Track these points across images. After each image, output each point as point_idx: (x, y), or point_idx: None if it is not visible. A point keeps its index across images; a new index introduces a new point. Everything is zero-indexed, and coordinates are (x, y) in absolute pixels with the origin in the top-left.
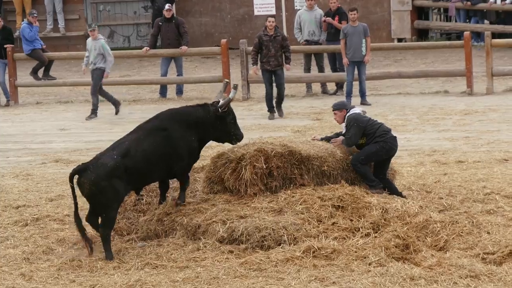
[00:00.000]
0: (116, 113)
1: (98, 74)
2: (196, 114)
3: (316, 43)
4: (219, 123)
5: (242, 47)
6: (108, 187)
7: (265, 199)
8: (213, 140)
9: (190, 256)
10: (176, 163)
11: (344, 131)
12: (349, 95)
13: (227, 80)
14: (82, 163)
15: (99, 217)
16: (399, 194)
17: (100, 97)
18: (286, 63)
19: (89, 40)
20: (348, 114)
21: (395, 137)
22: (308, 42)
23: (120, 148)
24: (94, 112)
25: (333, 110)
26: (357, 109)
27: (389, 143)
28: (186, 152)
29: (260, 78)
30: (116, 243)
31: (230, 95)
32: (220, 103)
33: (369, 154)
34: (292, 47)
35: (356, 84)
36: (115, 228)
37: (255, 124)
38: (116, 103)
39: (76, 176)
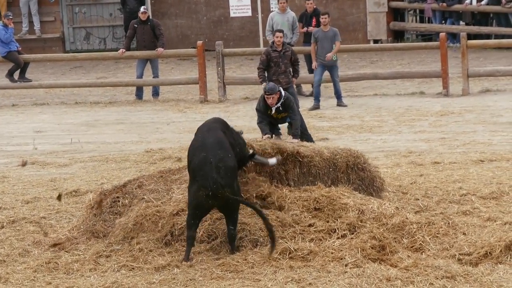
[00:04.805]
0: None
1: None
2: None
3: (288, 45)
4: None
5: (218, 49)
6: (238, 189)
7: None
8: None
9: (166, 258)
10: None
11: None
12: (317, 98)
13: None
14: (210, 181)
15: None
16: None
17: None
18: (294, 77)
19: None
20: (283, 95)
21: None
22: None
23: (227, 147)
24: None
25: (270, 94)
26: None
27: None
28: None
29: (236, 79)
30: (93, 245)
31: (270, 161)
32: (255, 155)
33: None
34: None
35: (330, 87)
36: (91, 230)
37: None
38: None
39: None
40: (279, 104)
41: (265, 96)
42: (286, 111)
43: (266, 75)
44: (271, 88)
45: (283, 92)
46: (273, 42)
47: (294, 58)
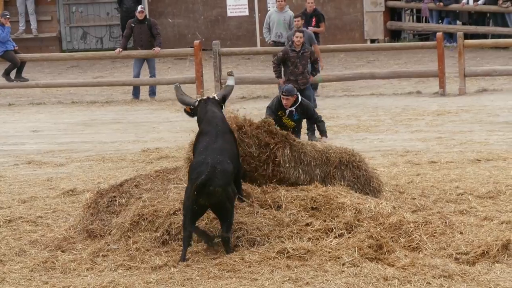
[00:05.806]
0: None
1: None
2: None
3: (283, 44)
4: None
5: (215, 48)
6: (232, 193)
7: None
8: None
9: (163, 258)
10: (238, 163)
11: (293, 115)
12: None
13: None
14: (206, 174)
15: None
16: None
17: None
18: (312, 74)
19: None
20: (300, 100)
21: None
22: (275, 43)
23: (227, 153)
24: None
25: (286, 96)
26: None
27: None
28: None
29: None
30: (90, 244)
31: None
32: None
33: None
34: (263, 48)
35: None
36: (88, 230)
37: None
38: None
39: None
40: (293, 108)
41: (281, 96)
42: (299, 120)
43: (281, 70)
44: (288, 90)
45: (299, 98)
46: (292, 42)
47: (313, 58)
